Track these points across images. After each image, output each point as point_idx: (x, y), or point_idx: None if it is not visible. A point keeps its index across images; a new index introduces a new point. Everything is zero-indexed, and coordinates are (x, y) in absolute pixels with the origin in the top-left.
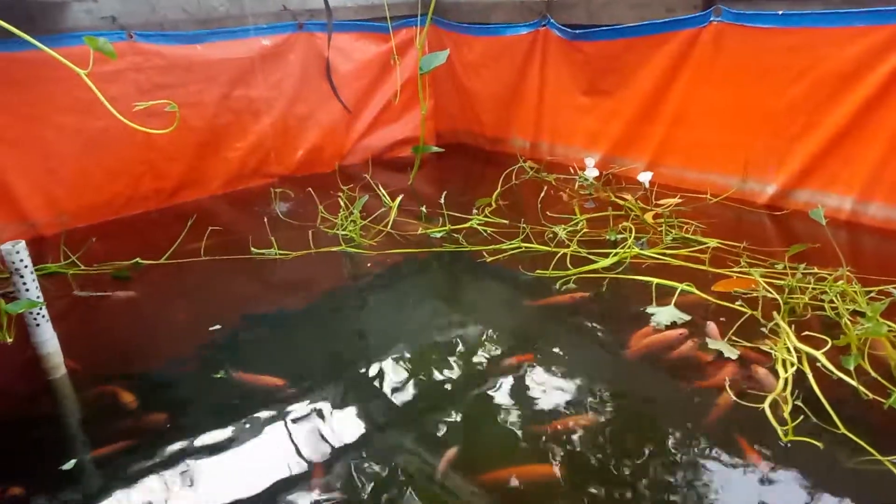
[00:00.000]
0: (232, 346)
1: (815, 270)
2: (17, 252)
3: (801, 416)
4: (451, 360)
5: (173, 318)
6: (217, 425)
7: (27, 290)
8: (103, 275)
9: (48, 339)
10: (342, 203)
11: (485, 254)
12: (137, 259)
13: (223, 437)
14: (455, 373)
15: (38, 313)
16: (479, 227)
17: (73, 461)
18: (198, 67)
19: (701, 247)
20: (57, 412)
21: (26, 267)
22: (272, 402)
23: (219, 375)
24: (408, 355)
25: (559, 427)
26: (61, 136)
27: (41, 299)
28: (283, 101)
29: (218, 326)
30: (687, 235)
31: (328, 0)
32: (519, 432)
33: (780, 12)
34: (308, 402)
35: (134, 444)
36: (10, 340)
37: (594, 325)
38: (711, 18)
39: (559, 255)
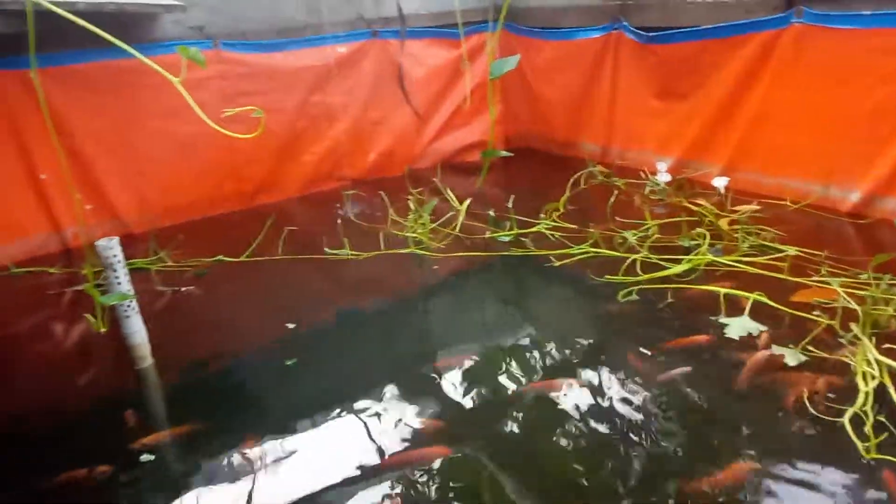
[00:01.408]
0: (304, 342)
1: None
2: (112, 248)
3: (886, 433)
4: (515, 364)
5: (251, 313)
6: (290, 418)
7: (119, 283)
8: (186, 271)
9: (137, 331)
10: (411, 206)
11: (552, 258)
12: (220, 256)
13: (294, 429)
14: (516, 378)
15: (129, 306)
16: (547, 232)
17: (154, 442)
18: (278, 75)
19: (779, 255)
20: (142, 398)
21: (119, 262)
22: (342, 398)
23: (290, 363)
24: (472, 358)
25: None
26: (151, 140)
27: (132, 292)
28: (357, 106)
29: (292, 325)
30: (764, 243)
31: (401, 8)
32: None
33: (868, 13)
34: (372, 399)
35: (210, 428)
36: (103, 330)
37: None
38: (792, 20)
39: (629, 260)
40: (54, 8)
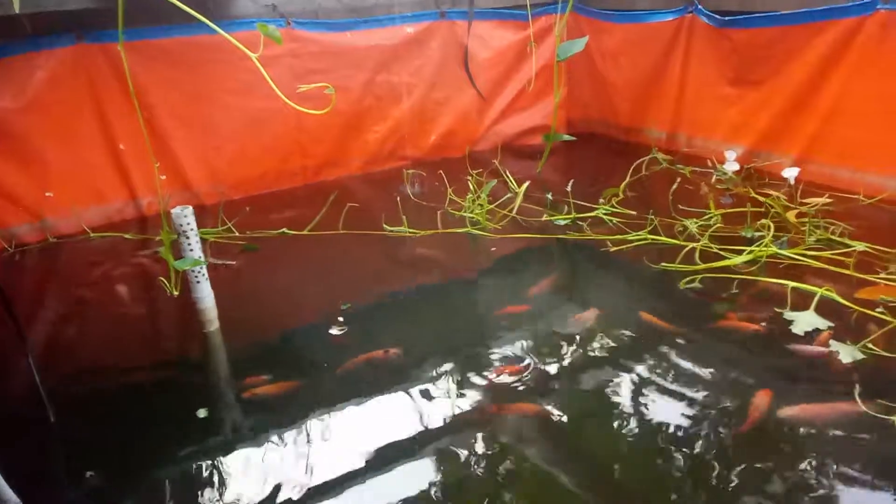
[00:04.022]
0: (360, 316)
1: None
2: (186, 216)
3: None
4: (565, 349)
5: (310, 285)
6: (342, 389)
7: (191, 250)
8: (263, 239)
9: (206, 296)
10: (470, 187)
11: (609, 243)
12: (284, 229)
13: (346, 401)
14: (566, 363)
15: (200, 272)
16: (605, 217)
17: (207, 409)
18: (347, 53)
19: (846, 250)
20: (208, 360)
21: (192, 230)
22: (393, 373)
23: (345, 306)
24: (522, 341)
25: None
26: (224, 115)
27: (203, 259)
28: (422, 86)
29: (348, 304)
30: (832, 237)
31: None
32: (629, 438)
33: None
34: (422, 376)
35: (272, 396)
36: (176, 294)
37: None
38: (878, 6)
39: (687, 249)
40: None
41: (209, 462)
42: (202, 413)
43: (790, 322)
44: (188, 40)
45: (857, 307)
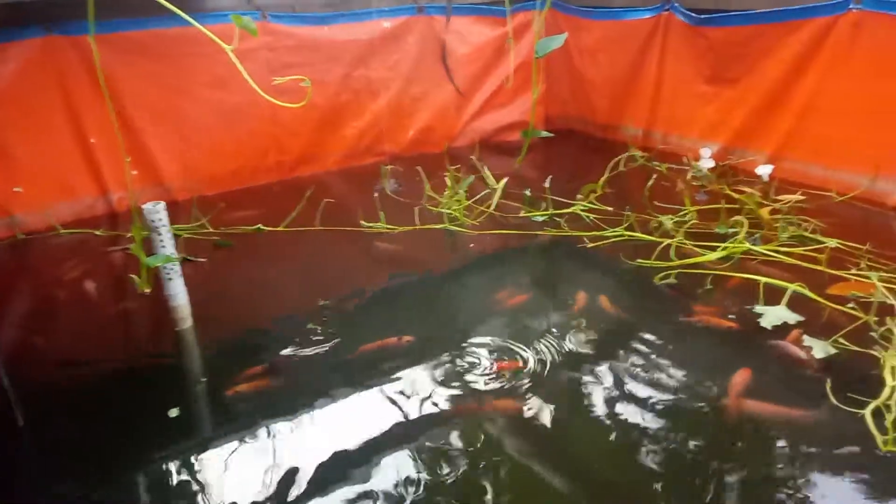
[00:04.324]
0: (336, 313)
1: None
2: (158, 212)
3: None
4: (541, 345)
5: (286, 282)
6: (317, 386)
7: (163, 246)
8: (237, 235)
9: (179, 293)
10: (448, 183)
11: (586, 240)
12: (259, 226)
13: (321, 398)
14: (543, 358)
15: (172, 268)
16: (583, 214)
17: (177, 409)
18: (324, 48)
19: (818, 246)
20: (180, 358)
21: (164, 226)
22: (371, 369)
23: (312, 326)
24: (498, 336)
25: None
26: (198, 109)
27: (176, 255)
28: (399, 81)
29: (325, 302)
30: (805, 233)
31: None
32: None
33: None
34: (399, 371)
35: (246, 394)
36: (147, 291)
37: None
38: (851, 5)
39: (662, 245)
40: None
41: (181, 462)
42: (174, 412)
43: (760, 316)
44: (161, 33)
45: (828, 303)
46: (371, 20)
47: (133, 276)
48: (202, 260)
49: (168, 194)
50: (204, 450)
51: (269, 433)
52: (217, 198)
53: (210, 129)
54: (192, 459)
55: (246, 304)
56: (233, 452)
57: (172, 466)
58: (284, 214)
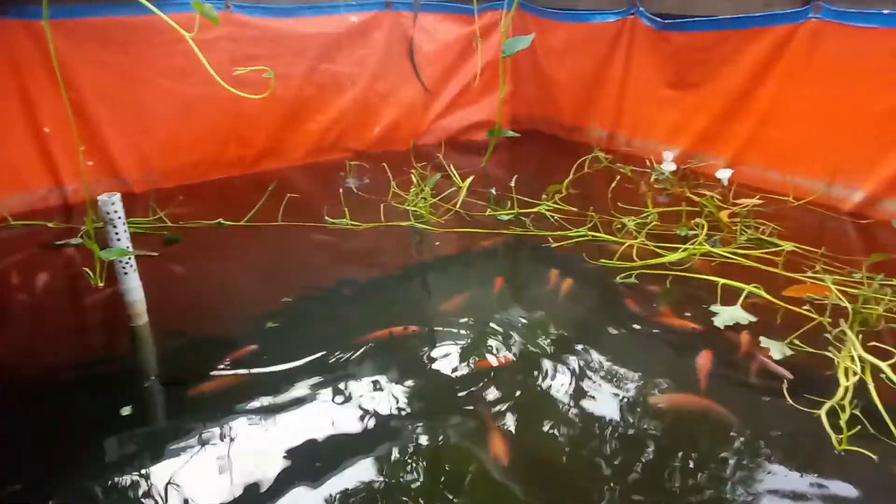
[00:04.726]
0: (295, 310)
1: (895, 282)
2: (113, 203)
3: (859, 426)
4: (503, 344)
5: (246, 278)
6: (275, 385)
7: (119, 239)
8: (197, 230)
9: (134, 288)
10: (414, 180)
11: (550, 239)
12: (220, 220)
13: (279, 397)
14: (506, 357)
15: (127, 262)
16: (547, 213)
17: (129, 408)
18: (288, 40)
19: (775, 249)
20: (135, 355)
21: (119, 218)
22: (326, 369)
23: (272, 325)
24: (463, 332)
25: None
26: (157, 99)
27: (131, 249)
28: (366, 77)
29: (288, 298)
30: (762, 237)
31: None
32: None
33: (886, 11)
34: (360, 370)
35: (209, 389)
36: (100, 285)
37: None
38: (809, 15)
39: (625, 246)
40: None
41: (132, 462)
42: (126, 411)
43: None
44: (120, 20)
45: (784, 304)
46: (338, 14)
47: (86, 269)
48: (154, 254)
49: (125, 186)
50: (156, 449)
51: (225, 432)
52: (176, 190)
53: (169, 119)
54: (144, 459)
55: (205, 301)
56: (187, 453)
57: (123, 466)
58: (247, 209)
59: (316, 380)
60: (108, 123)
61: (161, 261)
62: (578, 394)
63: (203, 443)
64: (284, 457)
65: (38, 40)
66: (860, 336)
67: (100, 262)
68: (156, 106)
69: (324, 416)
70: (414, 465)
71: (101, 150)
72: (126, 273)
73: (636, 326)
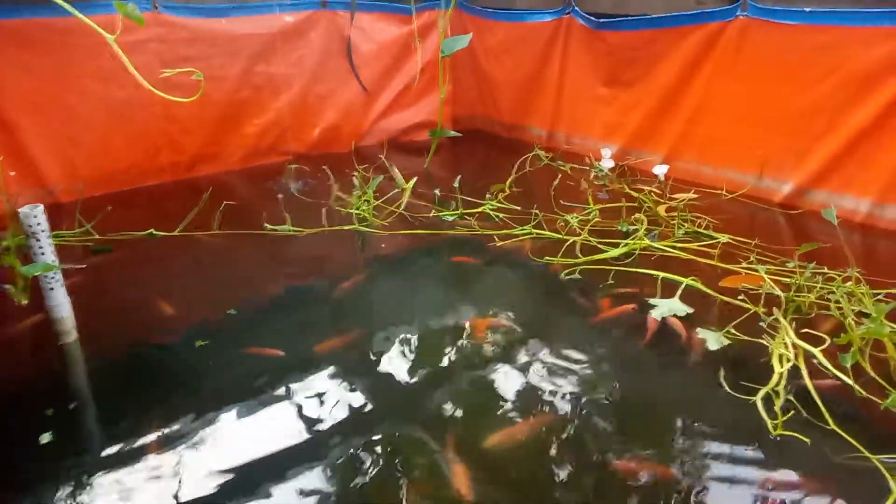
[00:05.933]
0: (236, 321)
1: (825, 270)
2: (35, 216)
3: (793, 412)
4: (452, 342)
5: (180, 290)
6: (219, 396)
7: (43, 253)
8: (127, 241)
9: (61, 303)
10: (356, 183)
11: (495, 238)
12: (151, 230)
13: (225, 409)
14: (454, 355)
15: (53, 277)
16: (492, 213)
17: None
18: (221, 41)
19: (712, 242)
20: (64, 375)
21: (43, 231)
22: (274, 376)
23: (201, 343)
24: (409, 335)
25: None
26: (83, 104)
27: (56, 263)
28: (303, 78)
29: (233, 311)
30: (699, 230)
31: None
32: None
33: (808, 9)
34: (307, 377)
35: (142, 409)
36: (25, 302)
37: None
38: (738, 13)
39: (569, 242)
40: None
41: (50, 495)
42: (46, 438)
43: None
44: (41, 22)
45: (720, 295)
46: (272, 13)
47: (8, 285)
48: (82, 266)
49: (51, 196)
50: (80, 479)
51: (160, 456)
52: (105, 199)
53: (96, 124)
54: (64, 490)
55: (137, 316)
56: (115, 482)
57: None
58: (180, 217)
59: (249, 391)
60: (31, 130)
61: (90, 275)
62: (527, 388)
63: (128, 467)
64: (222, 472)
65: None
66: (793, 323)
67: (22, 279)
68: (82, 110)
69: (266, 427)
70: (358, 469)
71: (24, 158)
72: (52, 289)
73: (581, 321)
